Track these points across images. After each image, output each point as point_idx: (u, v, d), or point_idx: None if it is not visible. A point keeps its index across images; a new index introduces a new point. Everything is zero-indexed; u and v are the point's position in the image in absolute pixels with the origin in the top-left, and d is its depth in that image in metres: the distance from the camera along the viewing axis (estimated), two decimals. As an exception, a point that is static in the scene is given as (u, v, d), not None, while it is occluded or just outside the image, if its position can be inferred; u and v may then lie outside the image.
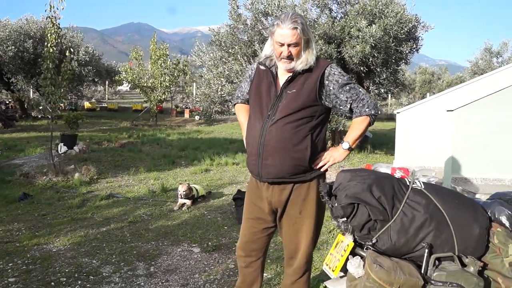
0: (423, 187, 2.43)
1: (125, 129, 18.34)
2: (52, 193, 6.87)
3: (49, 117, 8.19)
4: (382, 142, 14.63)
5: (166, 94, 21.00)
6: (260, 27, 10.23)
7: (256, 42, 10.69)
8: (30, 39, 19.07)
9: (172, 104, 28.37)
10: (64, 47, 11.80)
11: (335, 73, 2.53)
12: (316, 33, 9.53)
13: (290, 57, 2.49)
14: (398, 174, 2.60)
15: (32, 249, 4.41)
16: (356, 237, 2.42)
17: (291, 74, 2.54)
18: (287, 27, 2.44)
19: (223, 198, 6.77)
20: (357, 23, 9.47)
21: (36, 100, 8.18)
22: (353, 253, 2.42)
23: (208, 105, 11.88)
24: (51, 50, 7.62)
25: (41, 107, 7.96)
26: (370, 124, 2.59)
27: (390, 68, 10.50)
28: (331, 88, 2.51)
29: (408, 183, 2.44)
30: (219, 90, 10.81)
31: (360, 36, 9.37)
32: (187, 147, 12.51)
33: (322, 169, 2.61)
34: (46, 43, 7.72)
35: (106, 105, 29.54)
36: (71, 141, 10.34)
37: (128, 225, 5.29)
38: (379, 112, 2.36)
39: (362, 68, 9.81)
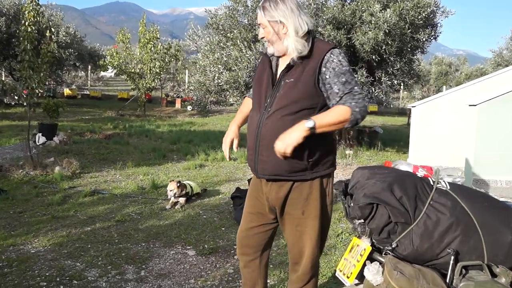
0: (448, 187, 2.42)
1: (110, 119, 18.29)
2: (29, 188, 6.84)
3: (25, 104, 8.13)
4: (394, 139, 14.69)
5: (156, 81, 20.93)
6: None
7: (257, 26, 10.66)
8: (2, 16, 18.88)
9: (162, 93, 28.28)
10: (44, 26, 11.74)
11: (334, 60, 2.47)
12: (324, 17, 9.52)
13: (269, 40, 2.55)
14: (420, 173, 2.59)
15: (7, 250, 4.39)
16: (374, 240, 2.41)
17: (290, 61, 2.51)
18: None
19: (220, 196, 6.77)
20: (370, 7, 9.46)
21: (12, 85, 8.06)
22: (370, 258, 2.41)
23: (203, 94, 11.87)
24: (29, 29, 7.56)
25: (16, 93, 7.84)
26: (347, 121, 2.40)
27: (405, 57, 10.49)
28: (327, 76, 2.46)
29: (432, 183, 2.43)
30: (215, 78, 10.79)
31: (372, 22, 9.35)
32: (179, 140, 12.51)
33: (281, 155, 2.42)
34: (23, 22, 7.66)
35: (88, 93, 29.30)
36: (51, 131, 10.34)
37: (115, 225, 5.28)
38: (364, 116, 2.41)
39: (374, 57, 9.80)
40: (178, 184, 6.13)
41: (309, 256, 2.67)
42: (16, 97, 8.11)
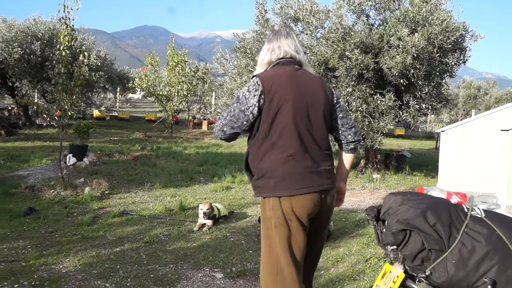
0: (483, 215, 2.40)
1: (138, 140, 18.56)
2: (60, 208, 6.98)
3: (55, 125, 8.31)
4: (421, 163, 14.51)
5: (183, 103, 21.17)
6: (290, 33, 10.28)
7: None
8: (37, 40, 19.42)
9: (189, 115, 28.59)
10: (77, 50, 12.06)
11: None
12: (351, 41, 9.55)
13: None
14: (454, 200, 2.57)
15: (39, 269, 4.47)
16: (407, 267, 2.39)
17: None
18: None
19: (247, 219, 6.77)
20: (398, 31, 9.46)
21: (46, 107, 8.27)
22: (403, 285, 2.39)
23: (230, 117, 11.91)
24: (63, 53, 7.78)
25: (50, 115, 8.03)
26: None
27: (433, 81, 10.42)
28: None
29: (466, 210, 2.41)
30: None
31: (400, 46, 9.34)
32: (206, 162, 12.62)
33: None
34: (58, 46, 7.90)
35: (117, 114, 29.86)
36: (81, 152, 10.52)
37: (144, 246, 5.33)
38: (216, 135, 2.80)
39: (401, 81, 9.76)
40: (210, 205, 6.21)
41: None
42: (48, 119, 8.30)
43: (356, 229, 6.39)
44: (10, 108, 21.40)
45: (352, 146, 2.86)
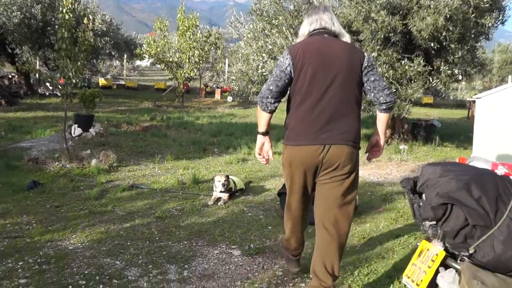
0: (534, 187, 2.28)
1: (147, 110, 18.54)
2: (65, 182, 6.98)
3: (58, 94, 8.28)
4: (452, 133, 14.27)
5: (195, 71, 21.04)
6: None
7: (303, 12, 10.51)
8: (38, 4, 19.19)
9: (200, 83, 28.45)
10: (82, 14, 11.94)
11: None
12: (377, 1, 9.29)
13: None
14: (500, 171, 2.46)
15: (45, 246, 4.46)
16: (447, 245, 2.30)
17: None
18: None
19: (265, 193, 6.72)
20: (429, -11, 9.16)
21: (48, 74, 8.20)
22: (443, 264, 2.30)
23: (245, 84, 11.84)
24: (66, 16, 7.66)
25: (54, 82, 7.98)
26: (258, 107, 3.41)
27: (467, 44, 10.11)
28: None
29: (515, 182, 2.29)
30: (259, 67, 10.73)
31: (432, 6, 9.06)
32: (220, 133, 12.59)
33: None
34: (60, 9, 7.79)
35: (124, 83, 29.80)
36: (87, 122, 10.52)
37: (155, 221, 5.31)
38: (259, 97, 3.35)
39: (432, 44, 9.49)
40: (227, 177, 6.18)
41: None
42: (51, 87, 8.26)
43: (383, 203, 6.30)
44: (10, 76, 21.38)
45: (384, 107, 3.26)
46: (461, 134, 13.96)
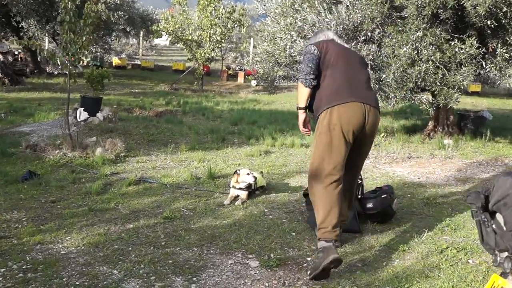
0: None
1: (163, 93, 18.39)
2: (65, 173, 6.77)
3: (66, 73, 8.06)
4: (504, 127, 13.69)
5: (216, 51, 20.79)
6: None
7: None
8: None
9: (222, 65, 28.20)
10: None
11: None
12: (425, -28, 8.79)
13: None
14: None
15: (33, 249, 4.23)
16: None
17: None
18: None
19: (289, 192, 6.39)
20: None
21: (51, 51, 7.98)
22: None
23: (271, 67, 11.49)
24: (71, -17, 7.42)
25: (57, 60, 7.76)
26: (302, 87, 4.27)
27: (531, 22, 9.53)
28: None
29: None
30: (287, 47, 10.35)
31: (491, -25, 8.53)
32: (241, 121, 12.34)
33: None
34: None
35: (139, 63, 29.77)
36: (94, 106, 10.36)
37: (162, 222, 5.04)
38: (303, 79, 4.24)
39: (489, 23, 8.95)
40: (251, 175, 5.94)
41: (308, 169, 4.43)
42: (58, 66, 8.04)
43: (426, 208, 5.91)
44: (16, 53, 21.30)
45: None
46: (515, 127, 13.44)
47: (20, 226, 4.76)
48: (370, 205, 5.15)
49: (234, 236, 4.74)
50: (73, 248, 4.29)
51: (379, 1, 9.37)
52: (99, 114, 10.25)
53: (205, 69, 22.45)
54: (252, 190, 6.01)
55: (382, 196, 5.20)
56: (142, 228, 4.85)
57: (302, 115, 4.43)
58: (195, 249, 4.39)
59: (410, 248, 4.60)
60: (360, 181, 5.27)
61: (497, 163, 8.75)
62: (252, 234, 4.84)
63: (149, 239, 4.58)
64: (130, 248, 4.34)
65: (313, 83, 4.20)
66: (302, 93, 4.27)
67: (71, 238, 4.50)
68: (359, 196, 5.23)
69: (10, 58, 18.43)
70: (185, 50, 21.55)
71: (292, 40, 10.19)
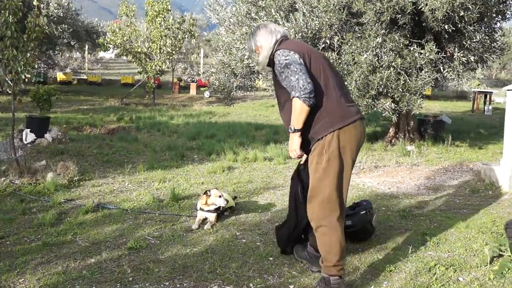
0: None
1: (113, 109, 18.05)
2: (13, 203, 6.26)
3: (9, 91, 7.57)
4: (460, 130, 13.83)
5: (167, 63, 20.52)
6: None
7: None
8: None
9: (173, 77, 27.83)
10: (31, -4, 11.18)
11: (276, 62, 3.78)
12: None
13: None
14: None
15: (-19, 296, 3.79)
16: None
17: None
18: None
19: (260, 211, 6.07)
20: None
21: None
22: None
23: (228, 78, 11.23)
24: (12, -3, 6.98)
25: (-1, 78, 7.32)
26: (304, 105, 3.62)
27: (487, 26, 9.60)
28: (277, 75, 3.84)
29: None
30: (244, 58, 10.10)
31: (449, -21, 8.51)
32: (199, 135, 12.09)
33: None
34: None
35: (85, 77, 29.19)
36: (41, 126, 9.92)
37: (127, 254, 4.64)
38: (307, 94, 3.60)
39: (446, 27, 8.94)
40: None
41: (309, 202, 3.89)
42: (1, 83, 7.56)
43: (404, 222, 5.70)
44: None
45: None
46: (470, 130, 13.61)
47: (-36, 269, 4.28)
48: (349, 222, 4.87)
49: (207, 266, 4.39)
50: (29, 292, 3.85)
51: (336, 8, 9.24)
52: (47, 135, 9.78)
53: (156, 82, 22.14)
54: (221, 212, 5.66)
55: (361, 213, 4.96)
56: (106, 262, 4.44)
57: (298, 139, 3.78)
58: (167, 283, 4.02)
59: (396, 267, 4.35)
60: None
61: (462, 168, 8.72)
62: (226, 261, 4.49)
63: (114, 275, 4.16)
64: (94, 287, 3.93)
65: (313, 100, 3.65)
66: (302, 113, 3.65)
67: (25, 280, 4.03)
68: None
69: None
70: (134, 62, 21.27)
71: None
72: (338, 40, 9.42)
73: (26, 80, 7.62)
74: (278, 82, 3.83)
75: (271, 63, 3.91)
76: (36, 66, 22.12)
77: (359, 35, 9.40)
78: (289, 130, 3.78)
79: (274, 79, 3.94)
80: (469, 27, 9.18)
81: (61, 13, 21.75)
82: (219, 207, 5.53)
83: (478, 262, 4.42)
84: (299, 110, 3.63)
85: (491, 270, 4.21)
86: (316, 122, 3.73)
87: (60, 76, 27.35)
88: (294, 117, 3.69)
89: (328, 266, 3.73)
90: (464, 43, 9.67)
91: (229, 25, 10.78)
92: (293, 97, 3.61)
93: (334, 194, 3.73)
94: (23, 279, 4.06)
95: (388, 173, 8.39)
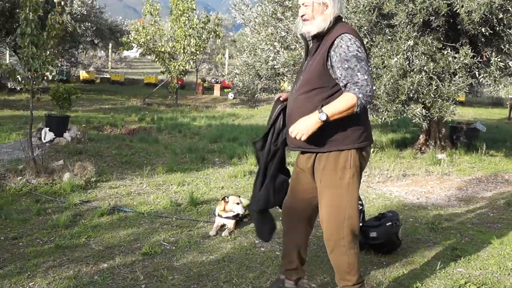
0: None
1: (135, 109, 18.14)
2: (29, 203, 6.27)
3: (29, 89, 7.62)
4: (496, 138, 13.57)
5: (191, 63, 20.56)
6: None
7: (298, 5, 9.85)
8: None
9: (197, 77, 27.91)
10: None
11: (342, 45, 3.26)
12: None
13: (305, 18, 3.41)
14: None
15: (-10, 300, 3.78)
16: None
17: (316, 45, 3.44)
18: None
19: (279, 219, 5.97)
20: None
21: (10, 66, 7.51)
22: None
23: (252, 79, 11.20)
24: (30, -8, 7.02)
25: (18, 76, 7.34)
26: (355, 107, 3.21)
27: (527, 29, 9.36)
28: (334, 61, 3.28)
29: None
30: (269, 59, 10.03)
31: (487, -20, 8.34)
32: (221, 138, 12.05)
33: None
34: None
35: (108, 76, 29.55)
36: (61, 125, 9.97)
37: (141, 260, 4.61)
38: (369, 100, 3.25)
39: (483, 30, 8.75)
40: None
41: (326, 222, 3.52)
42: (18, 81, 7.60)
43: (432, 235, 5.58)
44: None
45: None
46: (506, 139, 13.33)
47: (-26, 270, 4.29)
48: (374, 234, 4.79)
49: (223, 275, 4.33)
50: (38, 296, 3.84)
51: (366, 9, 9.12)
52: (66, 134, 9.85)
53: (179, 82, 22.22)
54: (240, 219, 5.60)
55: (387, 224, 4.86)
56: (118, 268, 4.41)
57: (318, 127, 3.27)
58: (181, 293, 3.98)
59: (423, 284, 4.24)
60: (361, 206, 4.92)
61: (497, 179, 8.53)
62: (244, 271, 4.43)
63: (126, 282, 4.13)
64: (105, 294, 3.90)
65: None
66: (347, 111, 3.23)
67: (35, 284, 4.02)
68: (361, 224, 4.86)
69: (-35, 72, 17.93)
70: (157, 62, 21.32)
71: (275, 51, 9.89)
72: (367, 43, 9.30)
73: (47, 78, 7.65)
74: (320, 66, 3.34)
75: (320, 37, 3.40)
76: (59, 64, 22.47)
77: (389, 37, 9.25)
78: (318, 112, 3.23)
79: (315, 60, 3.39)
80: (508, 30, 8.96)
81: (85, 11, 21.98)
82: (238, 214, 5.48)
83: (512, 282, 4.30)
84: (348, 107, 3.21)
85: (526, 290, 4.08)
86: (343, 131, 3.36)
87: (83, 74, 27.70)
88: (336, 108, 3.22)
89: (347, 286, 3.59)
90: (502, 47, 9.44)
91: (254, 26, 10.75)
92: (353, 93, 3.19)
93: (354, 213, 3.48)
94: (33, 283, 4.04)
95: (417, 182, 8.24)
